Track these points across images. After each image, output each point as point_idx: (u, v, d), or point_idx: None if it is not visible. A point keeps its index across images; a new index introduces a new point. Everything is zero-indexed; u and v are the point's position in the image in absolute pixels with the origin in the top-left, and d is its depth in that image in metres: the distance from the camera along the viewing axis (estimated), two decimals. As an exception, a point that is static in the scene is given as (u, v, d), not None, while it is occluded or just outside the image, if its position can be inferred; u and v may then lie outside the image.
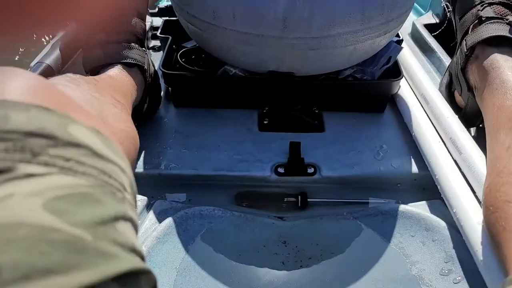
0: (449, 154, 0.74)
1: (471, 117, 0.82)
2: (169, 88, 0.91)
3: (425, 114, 0.84)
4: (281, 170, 0.78)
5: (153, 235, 0.66)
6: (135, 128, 0.57)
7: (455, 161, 0.73)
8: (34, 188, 0.20)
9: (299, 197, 0.77)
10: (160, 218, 0.70)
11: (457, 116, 0.80)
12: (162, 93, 0.90)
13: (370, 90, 0.88)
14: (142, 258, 0.24)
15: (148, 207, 0.72)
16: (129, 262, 0.22)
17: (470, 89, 0.81)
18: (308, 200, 0.76)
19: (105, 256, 0.20)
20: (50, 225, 0.19)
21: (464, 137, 0.74)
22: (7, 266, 0.17)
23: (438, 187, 0.71)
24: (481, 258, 0.57)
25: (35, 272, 0.18)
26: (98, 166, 0.23)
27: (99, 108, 0.47)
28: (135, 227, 0.26)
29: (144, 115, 0.81)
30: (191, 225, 0.69)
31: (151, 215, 0.70)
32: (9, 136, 0.20)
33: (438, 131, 0.79)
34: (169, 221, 0.68)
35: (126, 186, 0.26)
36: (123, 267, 0.21)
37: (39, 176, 0.20)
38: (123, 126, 0.51)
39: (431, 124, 0.81)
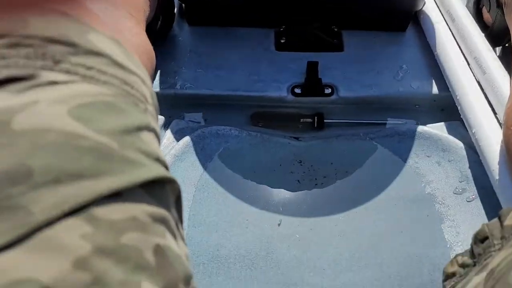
0: (472, 74, 0.71)
1: (498, 35, 0.78)
2: (183, 5, 0.88)
3: (450, 32, 0.80)
4: (298, 90, 0.77)
5: (171, 153, 0.67)
6: (150, 44, 0.55)
7: (478, 81, 0.70)
8: (58, 95, 0.20)
9: (316, 117, 0.76)
10: (177, 137, 0.71)
11: (483, 34, 0.77)
12: (175, 9, 0.87)
13: (393, 6, 0.83)
14: (166, 168, 0.24)
15: (165, 126, 0.73)
16: (155, 170, 0.22)
17: (499, 5, 0.76)
18: (325, 120, 0.76)
19: (131, 163, 0.21)
20: (77, 132, 0.19)
21: (489, 56, 0.71)
22: (38, 170, 0.18)
23: (458, 108, 0.69)
24: (497, 177, 0.57)
25: (65, 176, 0.18)
26: (120, 76, 0.23)
27: (114, 21, 0.45)
28: (158, 138, 0.26)
29: (157, 33, 0.78)
30: (208, 144, 0.70)
31: (168, 134, 0.71)
32: (29, 42, 0.20)
33: (463, 50, 0.76)
34: (186, 140, 0.69)
35: (148, 97, 0.26)
36: (149, 175, 0.21)
37: (62, 84, 0.20)
38: (138, 41, 0.49)
39: (455, 43, 0.78)
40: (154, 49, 0.65)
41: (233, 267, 0.57)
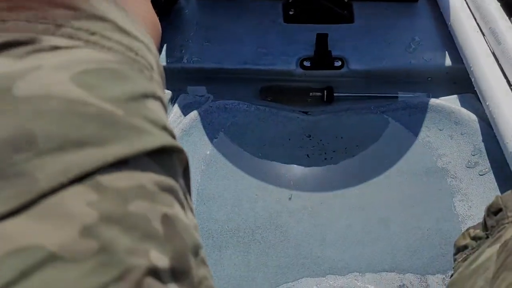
0: (487, 45, 0.69)
1: (515, 4, 0.75)
2: (188, -23, 0.86)
3: (464, 2, 0.78)
4: (307, 63, 0.75)
5: (178, 127, 0.67)
6: (156, 15, 0.54)
7: (493, 52, 0.68)
8: (60, 61, 0.19)
9: (325, 91, 0.75)
10: (184, 111, 0.70)
11: (499, 3, 0.74)
12: (181, -18, 0.85)
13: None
14: (173, 137, 0.24)
15: (172, 101, 0.72)
16: (162, 139, 0.21)
17: (517, -28, 0.73)
18: (334, 94, 0.75)
19: (137, 131, 0.20)
20: (80, 99, 0.18)
21: (505, 25, 0.68)
22: (41, 137, 0.17)
23: (472, 80, 0.68)
24: (510, 150, 0.56)
25: (69, 143, 0.17)
26: (124, 42, 0.22)
27: None
28: (165, 108, 0.25)
29: (163, 6, 0.77)
30: (215, 118, 0.69)
31: (175, 109, 0.70)
32: (29, 5, 0.19)
33: (477, 20, 0.74)
34: (194, 114, 0.68)
35: (153, 65, 0.25)
36: (156, 143, 0.21)
37: (64, 49, 0.19)
38: (144, 10, 0.48)
39: (469, 13, 0.75)
40: (160, 22, 0.64)
41: (242, 241, 0.57)
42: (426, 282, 0.53)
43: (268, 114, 0.71)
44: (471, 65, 0.68)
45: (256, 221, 0.59)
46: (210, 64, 0.75)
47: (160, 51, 0.76)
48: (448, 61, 0.75)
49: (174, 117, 0.70)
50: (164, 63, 0.74)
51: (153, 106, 0.22)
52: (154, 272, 0.18)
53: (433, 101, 0.69)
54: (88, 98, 0.19)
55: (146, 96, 0.22)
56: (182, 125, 0.67)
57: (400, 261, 0.55)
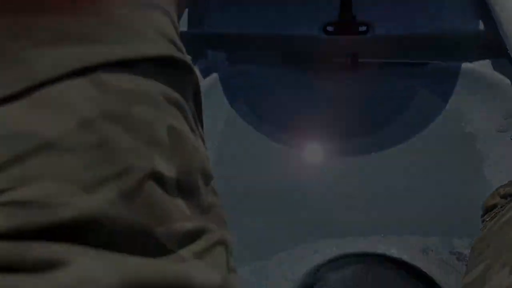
0: (522, 6, 0.66)
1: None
2: None
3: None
4: (330, 28, 0.73)
5: (198, 90, 0.66)
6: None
7: (529, 13, 0.65)
8: None
9: (349, 57, 0.73)
10: (203, 75, 0.69)
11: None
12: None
13: None
14: (183, 53, 0.23)
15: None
16: (168, 49, 0.20)
17: None
18: (359, 60, 0.72)
19: (142, 36, 0.19)
20: None
21: (543, -14, 0.65)
22: (41, 27, 0.16)
23: (506, 41, 0.64)
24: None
25: (69, 36, 0.17)
26: None
27: None
28: (175, 27, 0.24)
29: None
30: (235, 82, 0.68)
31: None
32: None
33: (513, -19, 0.70)
34: (213, 77, 0.67)
35: None
36: (160, 51, 0.20)
37: None
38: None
39: (505, -26, 0.71)
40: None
41: (261, 202, 0.56)
42: (451, 245, 0.51)
43: (290, 79, 0.69)
44: (505, 29, 0.65)
45: (275, 182, 0.58)
46: (231, 30, 0.73)
47: (180, 16, 0.75)
48: (480, 26, 0.71)
49: (194, 81, 0.69)
50: (185, 28, 0.73)
51: (160, 18, 0.21)
52: (158, 179, 0.17)
53: (464, 65, 0.66)
54: None
55: (153, 6, 0.21)
56: (201, 89, 0.66)
57: (424, 224, 0.53)
